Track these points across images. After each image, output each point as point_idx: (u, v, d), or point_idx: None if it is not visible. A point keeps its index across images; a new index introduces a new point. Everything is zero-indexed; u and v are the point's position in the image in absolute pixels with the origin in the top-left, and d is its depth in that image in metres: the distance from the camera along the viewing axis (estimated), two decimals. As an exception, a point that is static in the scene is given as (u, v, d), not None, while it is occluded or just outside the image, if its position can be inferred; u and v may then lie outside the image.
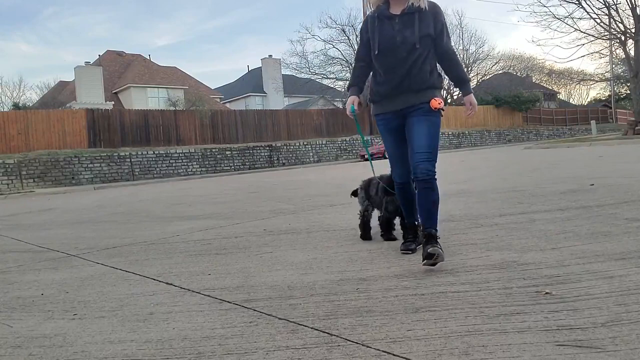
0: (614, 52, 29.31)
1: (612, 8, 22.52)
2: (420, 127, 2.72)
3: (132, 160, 22.53)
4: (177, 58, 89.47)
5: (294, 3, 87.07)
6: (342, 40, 35.68)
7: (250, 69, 53.91)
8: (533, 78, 49.25)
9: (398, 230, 3.37)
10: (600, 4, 22.69)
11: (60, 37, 70.86)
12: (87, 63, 36.72)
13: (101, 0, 75.38)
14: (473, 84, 44.22)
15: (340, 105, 35.67)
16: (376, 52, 2.75)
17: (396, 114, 2.83)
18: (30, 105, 28.67)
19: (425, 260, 2.45)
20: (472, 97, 2.91)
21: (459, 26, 44.34)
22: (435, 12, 2.73)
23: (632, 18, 22.32)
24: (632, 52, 23.25)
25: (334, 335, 1.75)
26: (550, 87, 51.78)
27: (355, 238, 3.56)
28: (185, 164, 24.01)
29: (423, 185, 2.66)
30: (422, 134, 2.70)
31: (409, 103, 2.76)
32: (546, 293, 1.99)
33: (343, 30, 35.40)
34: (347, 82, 2.71)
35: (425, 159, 2.66)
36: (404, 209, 3.07)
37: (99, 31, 71.83)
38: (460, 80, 2.90)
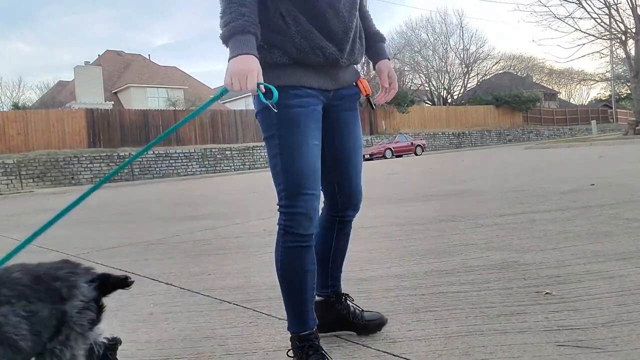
0: (615, 52, 29.33)
1: (613, 8, 22.54)
2: (358, 131, 1.63)
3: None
4: (176, 58, 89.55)
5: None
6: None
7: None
8: (533, 78, 49.27)
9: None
10: (601, 3, 22.72)
11: (59, 36, 70.86)
12: (86, 63, 36.68)
13: (100, -1, 75.44)
14: (473, 83, 44.28)
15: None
16: None
17: (320, 97, 1.49)
18: (30, 105, 28.65)
19: (373, 333, 1.71)
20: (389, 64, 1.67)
21: (459, 26, 44.36)
22: None
23: (633, 18, 22.32)
24: (632, 52, 23.26)
25: (334, 335, 1.74)
26: (550, 87, 51.78)
27: (356, 238, 3.55)
28: (185, 164, 24.02)
29: (349, 229, 1.73)
30: (360, 146, 1.65)
31: (343, 82, 1.54)
32: (546, 293, 1.99)
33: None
34: (226, 19, 1.30)
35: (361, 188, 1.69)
36: (323, 269, 1.69)
37: (98, 31, 71.87)
38: (381, 37, 1.68)
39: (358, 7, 1.48)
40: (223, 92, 1.36)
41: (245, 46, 1.28)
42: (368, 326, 1.71)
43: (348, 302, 1.73)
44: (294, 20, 1.37)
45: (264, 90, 1.31)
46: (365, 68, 33.17)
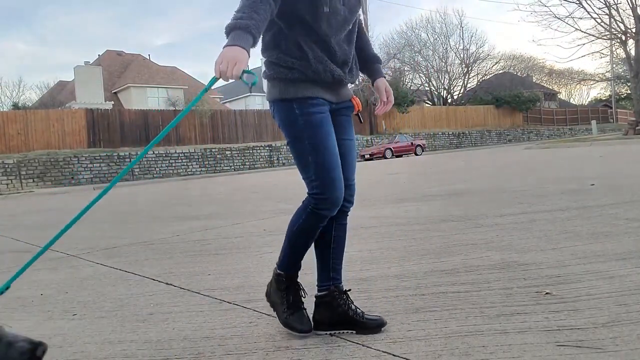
0: (615, 52, 29.33)
1: (613, 8, 22.54)
2: (352, 132, 1.96)
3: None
4: (176, 57, 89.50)
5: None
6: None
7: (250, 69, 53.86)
8: (533, 78, 49.26)
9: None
10: (601, 3, 22.72)
11: (58, 36, 70.86)
12: (86, 63, 36.69)
13: (99, -1, 75.45)
14: (473, 83, 44.31)
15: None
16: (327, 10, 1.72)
17: (328, 107, 1.84)
18: (30, 105, 28.66)
19: (372, 332, 1.77)
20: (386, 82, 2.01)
21: (459, 26, 44.34)
22: None
23: (633, 18, 22.33)
24: (632, 52, 23.26)
25: (334, 335, 1.74)
26: (550, 87, 51.78)
27: (356, 238, 3.55)
28: (185, 164, 24.02)
29: (346, 221, 1.92)
30: (355, 145, 1.99)
31: (344, 97, 1.89)
32: (547, 293, 1.99)
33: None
34: (236, 16, 1.55)
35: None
36: (323, 262, 1.88)
37: (98, 31, 71.84)
38: (377, 59, 2.02)
39: (355, 41, 1.88)
40: (213, 80, 1.52)
41: (242, 41, 1.49)
42: (368, 325, 1.78)
43: (349, 298, 1.84)
44: (310, 49, 1.74)
45: (246, 77, 1.50)
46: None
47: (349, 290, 1.86)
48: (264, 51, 1.85)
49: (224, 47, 1.49)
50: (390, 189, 7.48)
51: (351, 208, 1.89)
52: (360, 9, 1.90)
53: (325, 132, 1.74)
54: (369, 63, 1.99)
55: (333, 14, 1.74)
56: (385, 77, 2.00)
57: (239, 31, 1.50)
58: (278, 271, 1.86)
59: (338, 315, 1.79)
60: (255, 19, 1.54)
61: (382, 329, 1.77)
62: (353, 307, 1.81)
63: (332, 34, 1.76)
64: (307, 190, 1.77)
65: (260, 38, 1.65)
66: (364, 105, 32.10)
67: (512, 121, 39.72)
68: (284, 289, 1.83)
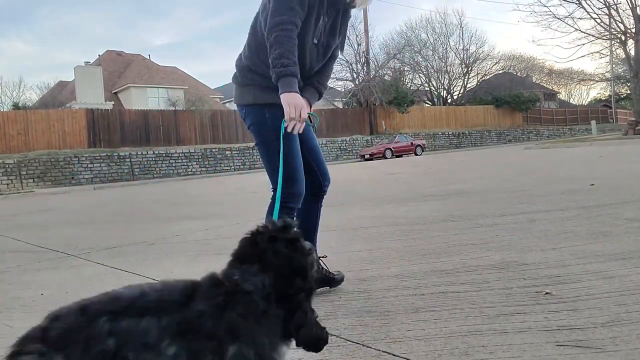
0: (614, 52, 29.32)
1: (612, 8, 22.55)
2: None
3: (132, 160, 22.53)
4: (176, 57, 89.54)
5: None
6: (342, 40, 35.56)
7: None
8: (533, 78, 49.27)
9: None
10: (601, 4, 22.73)
11: (59, 36, 70.86)
12: (86, 63, 36.71)
13: (98, -1, 75.45)
14: (473, 83, 44.34)
15: (340, 105, 35.65)
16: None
17: None
18: (30, 105, 28.67)
19: (338, 285, 2.31)
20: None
21: (459, 26, 44.33)
22: None
23: (632, 18, 22.33)
24: (632, 52, 23.27)
25: (334, 335, 1.74)
26: (550, 87, 51.79)
27: (356, 238, 3.56)
28: (185, 164, 24.02)
29: (322, 203, 2.35)
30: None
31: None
32: (546, 293, 1.99)
33: (343, 30, 35.29)
34: (284, 62, 1.86)
35: None
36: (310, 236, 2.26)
37: (98, 31, 71.87)
38: (320, 88, 2.34)
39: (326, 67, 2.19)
40: (283, 123, 1.87)
41: (294, 86, 1.86)
42: (335, 279, 2.30)
43: (323, 262, 2.26)
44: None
45: (312, 119, 2.11)
46: (365, 68, 33.20)
47: (325, 256, 2.38)
48: (244, 53, 2.09)
49: (282, 93, 1.84)
50: (390, 189, 7.48)
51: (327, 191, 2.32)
52: (338, 42, 2.19)
53: (292, 136, 1.96)
54: (313, 85, 2.18)
55: (317, 46, 2.06)
56: (310, 101, 2.14)
57: (291, 78, 1.85)
58: None
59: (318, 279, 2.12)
60: (296, 62, 1.87)
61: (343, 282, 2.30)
62: (325, 269, 2.26)
63: (311, 61, 2.07)
64: (271, 188, 2.09)
65: (246, 40, 2.07)
66: (364, 104, 32.14)
67: (512, 121, 39.72)
68: None
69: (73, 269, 3.28)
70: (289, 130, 1.86)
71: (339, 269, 2.71)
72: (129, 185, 18.70)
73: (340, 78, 35.75)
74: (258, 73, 2.02)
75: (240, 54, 2.14)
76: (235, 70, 2.15)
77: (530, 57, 47.86)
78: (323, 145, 28.72)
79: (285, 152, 1.87)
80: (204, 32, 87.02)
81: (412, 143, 28.36)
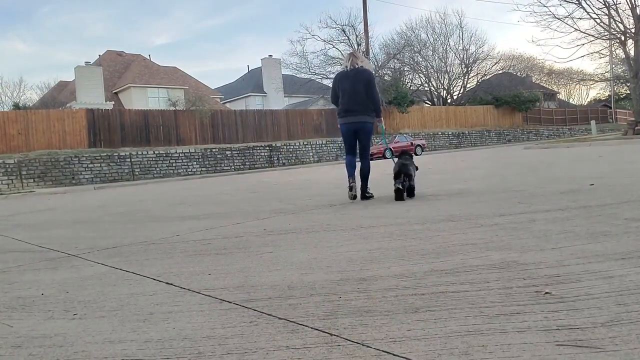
0: (614, 52, 29.33)
1: (612, 8, 22.54)
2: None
3: (132, 160, 22.53)
4: (176, 57, 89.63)
5: (294, 2, 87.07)
6: (342, 41, 35.63)
7: (250, 69, 53.92)
8: (533, 78, 49.28)
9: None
10: (600, 4, 22.72)
11: (58, 36, 70.90)
12: (87, 63, 36.72)
13: (98, -1, 75.34)
14: (473, 83, 44.36)
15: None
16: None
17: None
18: (31, 105, 28.69)
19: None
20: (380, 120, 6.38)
21: (458, 26, 44.34)
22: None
23: (632, 18, 22.32)
24: (632, 52, 23.25)
25: (334, 335, 1.75)
26: (550, 87, 51.80)
27: (356, 238, 3.56)
28: (186, 163, 24.02)
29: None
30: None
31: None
32: (546, 293, 1.99)
33: (343, 31, 35.36)
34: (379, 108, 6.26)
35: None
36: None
37: (97, 30, 71.86)
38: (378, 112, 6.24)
39: (360, 96, 6.08)
40: (382, 127, 6.63)
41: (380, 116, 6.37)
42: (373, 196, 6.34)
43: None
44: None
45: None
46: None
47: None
48: (362, 97, 6.09)
49: (381, 117, 6.40)
50: (390, 189, 7.46)
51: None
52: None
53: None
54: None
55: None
56: (381, 121, 6.47)
57: (380, 114, 6.33)
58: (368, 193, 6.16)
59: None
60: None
61: None
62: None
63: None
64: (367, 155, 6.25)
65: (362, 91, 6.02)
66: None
67: (511, 121, 39.71)
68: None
69: (73, 269, 3.28)
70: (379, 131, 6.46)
71: (339, 269, 2.72)
72: (129, 185, 18.70)
73: (340, 78, 35.68)
74: (371, 109, 6.05)
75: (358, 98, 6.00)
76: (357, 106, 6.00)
77: (530, 57, 47.91)
78: (323, 145, 28.77)
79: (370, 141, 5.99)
80: (204, 32, 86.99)
81: (412, 143, 28.36)
